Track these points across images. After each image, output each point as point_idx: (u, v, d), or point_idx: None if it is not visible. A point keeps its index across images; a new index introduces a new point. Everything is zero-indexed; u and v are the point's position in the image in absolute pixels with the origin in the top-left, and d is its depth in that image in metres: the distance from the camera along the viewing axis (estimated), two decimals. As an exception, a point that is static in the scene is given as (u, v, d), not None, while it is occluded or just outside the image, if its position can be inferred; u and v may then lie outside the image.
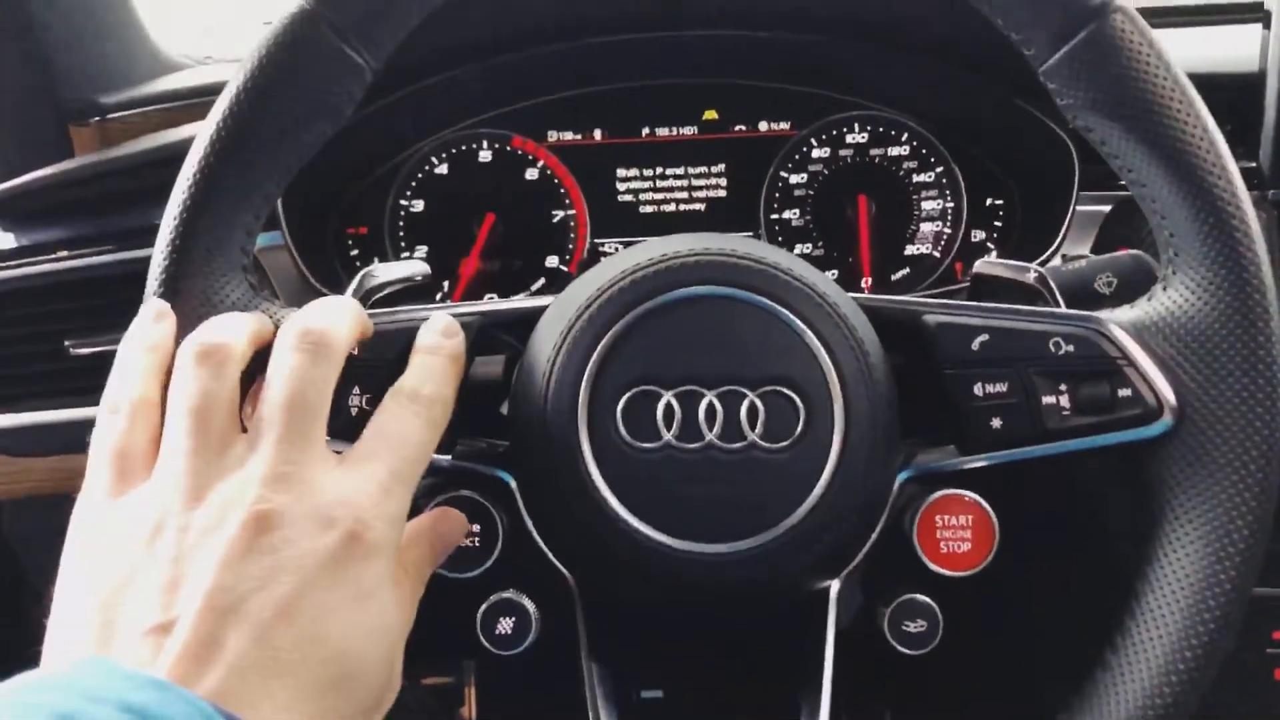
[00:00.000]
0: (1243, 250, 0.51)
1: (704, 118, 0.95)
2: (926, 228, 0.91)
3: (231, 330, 0.47)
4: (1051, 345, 0.54)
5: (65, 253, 0.82)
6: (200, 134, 0.53)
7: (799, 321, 0.53)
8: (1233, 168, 0.52)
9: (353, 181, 0.92)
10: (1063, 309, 0.58)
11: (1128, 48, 0.52)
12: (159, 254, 0.52)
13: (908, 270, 0.91)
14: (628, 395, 0.52)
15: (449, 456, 0.56)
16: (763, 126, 0.94)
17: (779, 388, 0.52)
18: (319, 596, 0.39)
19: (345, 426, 0.52)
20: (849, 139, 0.93)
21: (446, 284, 0.92)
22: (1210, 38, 0.93)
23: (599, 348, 0.53)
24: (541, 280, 0.93)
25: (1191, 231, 0.52)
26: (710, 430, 0.52)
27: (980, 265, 0.64)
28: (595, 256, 0.93)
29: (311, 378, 0.44)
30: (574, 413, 0.52)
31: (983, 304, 0.56)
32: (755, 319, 0.53)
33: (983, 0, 0.54)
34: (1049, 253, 0.82)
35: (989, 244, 0.91)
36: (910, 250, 0.91)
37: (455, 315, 0.56)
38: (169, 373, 0.46)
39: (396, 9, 0.54)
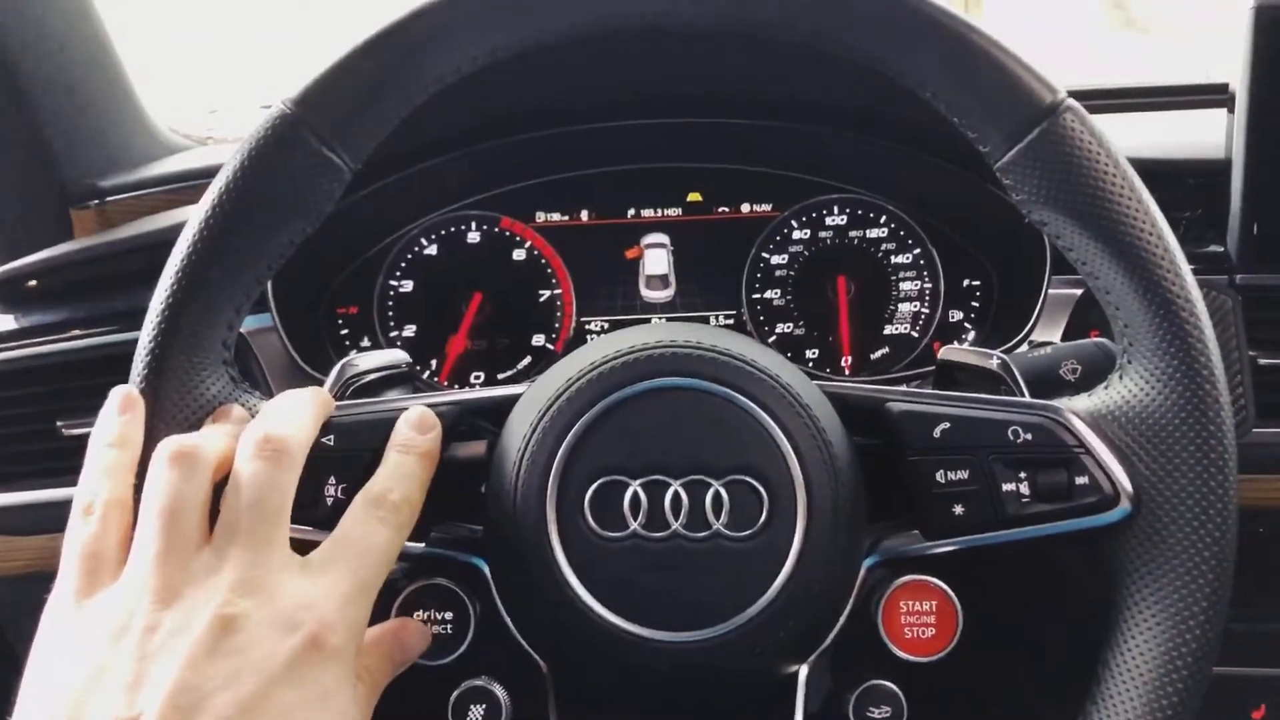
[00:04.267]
0: (1193, 342, 0.53)
1: (688, 199, 0.97)
2: (905, 308, 0.93)
3: (206, 433, 0.48)
4: (1011, 433, 0.55)
5: (63, 334, 0.84)
6: (184, 232, 0.55)
7: (762, 412, 0.54)
8: (1181, 261, 0.54)
9: (343, 263, 0.94)
10: (1022, 398, 0.59)
11: (1078, 145, 0.54)
12: (141, 349, 0.54)
13: (887, 350, 0.93)
14: (596, 485, 0.54)
15: (423, 544, 0.57)
16: (745, 208, 0.97)
17: (743, 477, 0.54)
18: (280, 697, 0.40)
19: (323, 517, 0.53)
20: (829, 220, 0.95)
21: (434, 362, 0.94)
22: (1177, 122, 0.96)
23: (568, 438, 0.54)
24: (528, 359, 0.94)
25: (1144, 323, 0.54)
26: (676, 519, 0.53)
27: (945, 352, 0.66)
28: (581, 335, 0.95)
29: (272, 483, 0.46)
30: (543, 501, 0.54)
31: (944, 392, 0.58)
32: (720, 409, 0.54)
33: (940, 100, 0.56)
34: (1019, 337, 0.83)
35: (966, 324, 0.93)
36: (889, 330, 0.93)
37: (432, 404, 0.58)
38: (141, 466, 0.48)
39: (375, 112, 0.57)
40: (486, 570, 0.58)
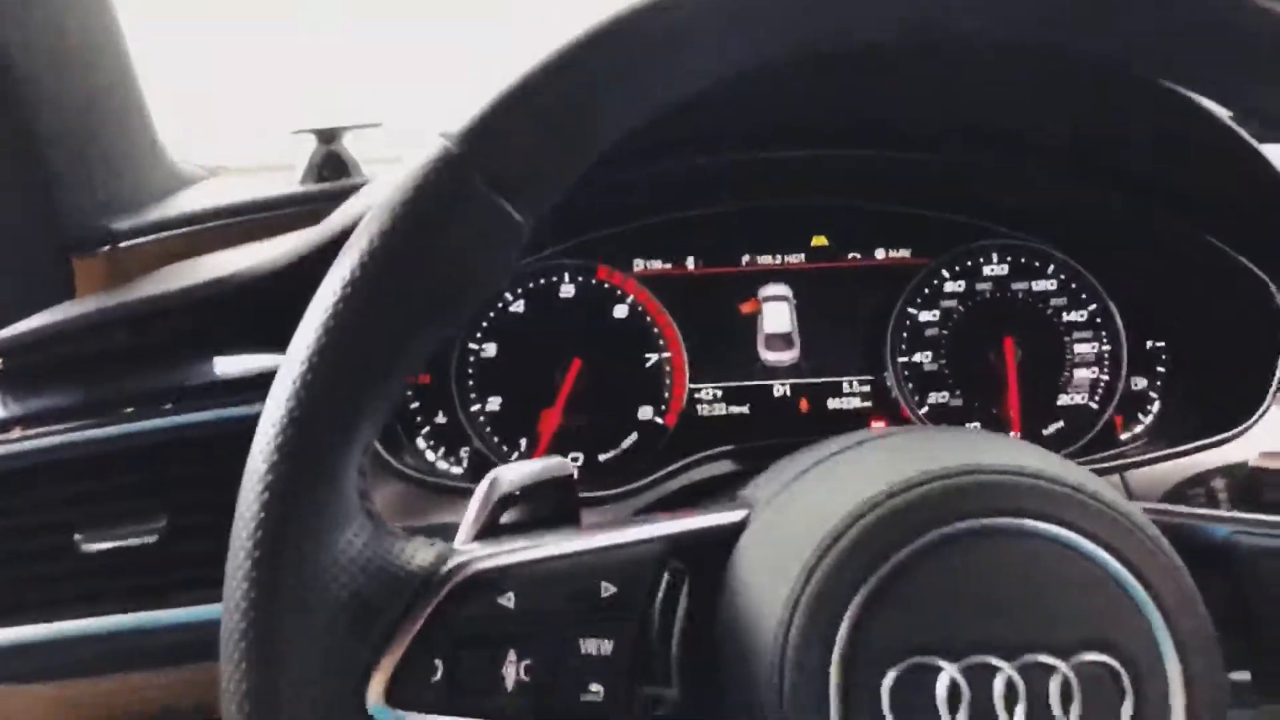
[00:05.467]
0: None
1: (812, 244, 0.83)
2: (1080, 374, 0.79)
3: None
4: None
5: (72, 422, 0.66)
6: (309, 317, 0.40)
7: (1117, 563, 0.39)
8: None
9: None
10: None
11: None
12: (248, 510, 0.38)
13: (1061, 424, 0.79)
14: (896, 671, 0.39)
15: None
16: (880, 254, 0.82)
17: (1099, 655, 0.39)
18: None
19: (499, 708, 0.38)
20: (986, 270, 0.81)
21: (524, 442, 0.78)
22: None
23: (849, 610, 0.39)
24: (634, 435, 0.79)
25: None
26: (1010, 718, 0.38)
27: (1261, 459, 0.51)
28: (694, 407, 0.80)
29: None
30: (824, 699, 0.38)
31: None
32: (1059, 560, 0.40)
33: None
34: (1255, 417, 0.69)
35: (1151, 393, 0.79)
36: (1063, 400, 0.79)
37: (623, 543, 0.43)
38: None
39: (565, 154, 0.42)
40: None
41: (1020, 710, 0.38)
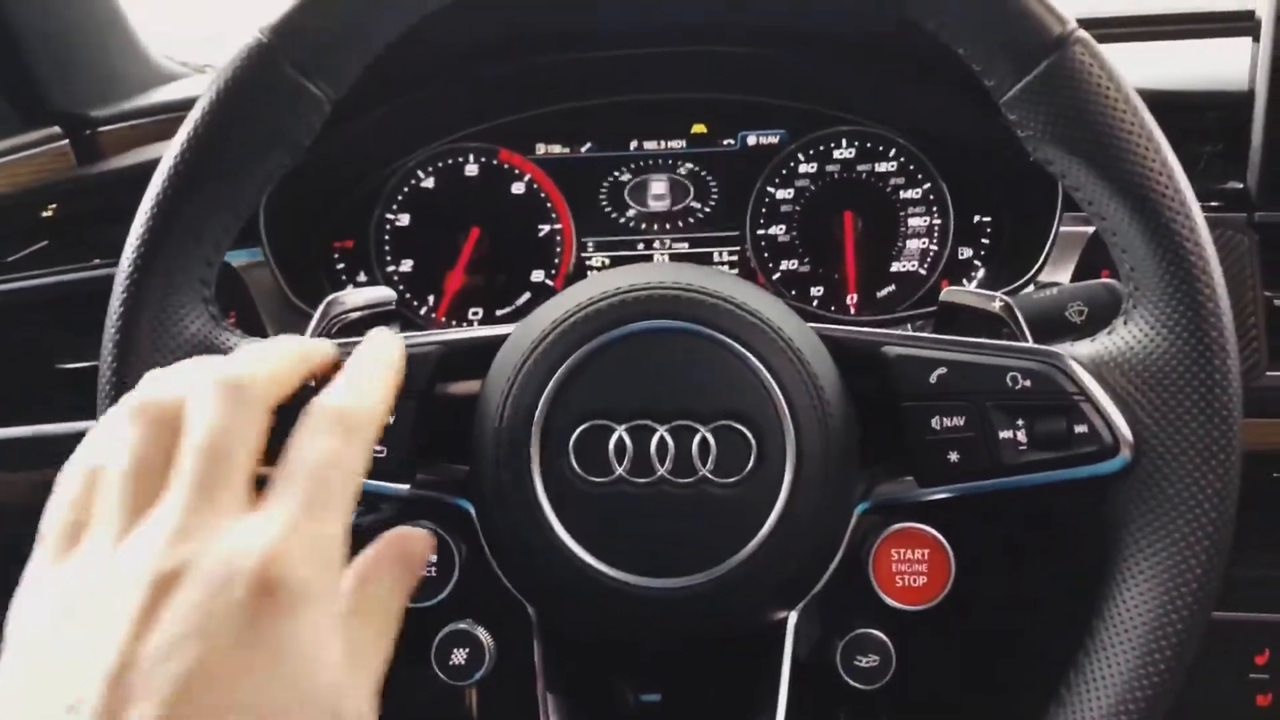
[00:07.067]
0: (1200, 286, 0.51)
1: (692, 131, 0.95)
2: (913, 245, 0.91)
3: (170, 386, 0.43)
4: (1009, 380, 0.54)
5: (58, 267, 0.83)
6: (159, 166, 0.54)
7: (751, 355, 0.53)
8: (1191, 201, 0.51)
9: (339, 196, 0.92)
10: (1021, 343, 0.57)
11: (1086, 79, 0.51)
12: (117, 286, 0.53)
13: (893, 288, 0.90)
14: (580, 429, 0.53)
15: (407, 486, 0.56)
16: (751, 140, 0.94)
17: (731, 422, 0.52)
18: (229, 661, 0.34)
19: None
20: (836, 154, 0.92)
21: (432, 298, 0.92)
22: (1199, 51, 0.92)
23: (552, 381, 0.53)
24: (527, 295, 0.93)
25: (1150, 266, 0.52)
26: (662, 465, 0.52)
27: (947, 294, 0.63)
28: (581, 270, 0.93)
29: (225, 424, 0.40)
30: (527, 445, 0.53)
31: (942, 336, 0.56)
32: (708, 353, 0.53)
33: (945, 32, 0.54)
34: (1027, 277, 0.81)
35: (976, 262, 0.90)
36: (896, 267, 0.91)
37: (417, 344, 0.56)
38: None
39: (356, 40, 0.55)
40: (472, 512, 0.57)
41: (669, 459, 0.52)
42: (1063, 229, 0.81)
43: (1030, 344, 0.57)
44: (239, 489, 0.39)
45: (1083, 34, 0.52)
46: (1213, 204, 0.79)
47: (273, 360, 0.45)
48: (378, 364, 0.47)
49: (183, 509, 0.38)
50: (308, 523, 0.38)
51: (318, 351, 0.48)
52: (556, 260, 0.93)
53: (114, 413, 0.43)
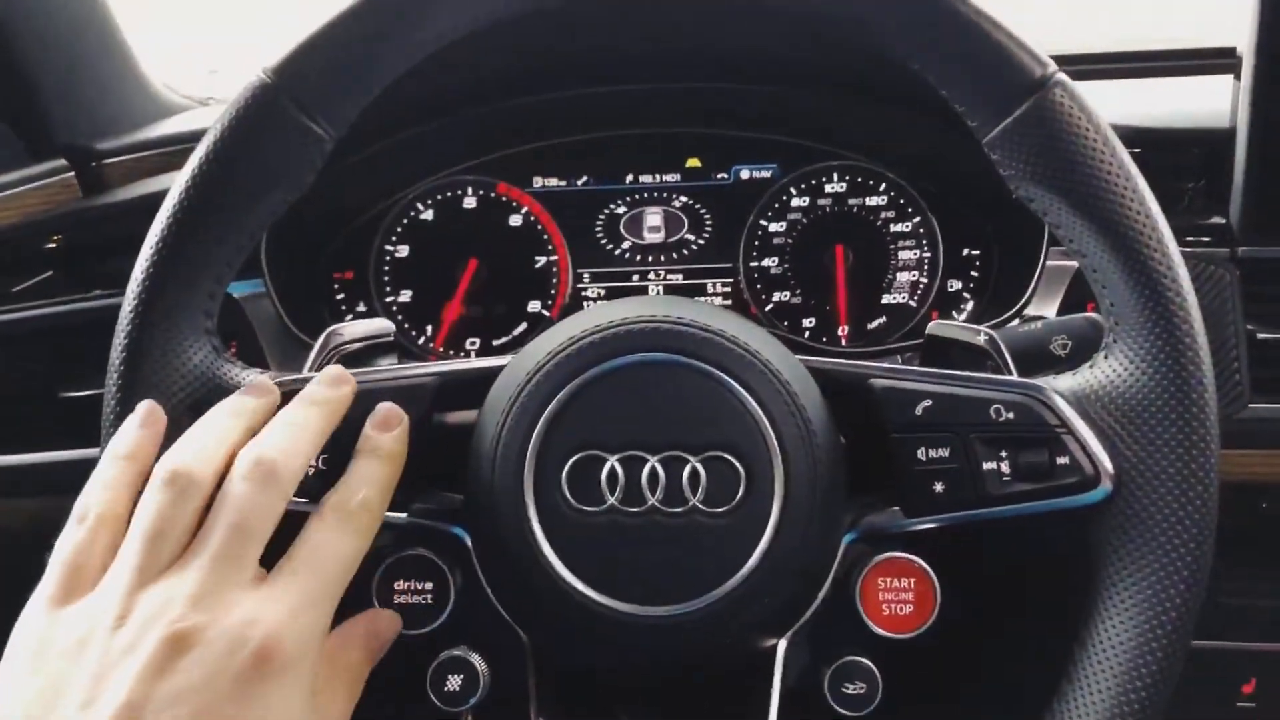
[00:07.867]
0: (1178, 322, 0.52)
1: (686, 165, 0.96)
2: (903, 277, 0.92)
3: (205, 455, 0.48)
4: (992, 412, 0.55)
5: (62, 297, 0.84)
6: (164, 202, 0.55)
7: (740, 388, 0.54)
8: (1169, 241, 0.53)
9: (339, 228, 0.94)
10: (1005, 376, 0.59)
11: (1066, 120, 0.53)
12: (123, 320, 0.55)
13: (884, 319, 0.92)
14: (573, 459, 0.54)
15: (405, 515, 0.57)
16: (745, 174, 0.96)
17: (721, 453, 0.54)
18: (223, 713, 0.41)
19: (305, 488, 0.53)
20: (828, 188, 0.94)
21: (430, 328, 0.94)
22: (1181, 89, 0.94)
23: (546, 412, 0.54)
24: (524, 325, 0.94)
25: (1130, 302, 0.53)
26: (653, 495, 0.53)
27: (933, 327, 0.65)
28: (577, 301, 0.95)
29: (255, 506, 0.46)
30: (520, 475, 0.54)
31: (927, 369, 0.57)
32: (699, 385, 0.54)
33: (928, 72, 0.56)
34: (1014, 310, 0.83)
35: (965, 294, 0.92)
36: (887, 299, 0.92)
37: (413, 375, 0.58)
38: (145, 481, 0.48)
39: (356, 80, 0.56)
40: (468, 540, 0.58)
41: (660, 489, 0.53)
42: (1050, 263, 0.83)
43: (1013, 377, 0.58)
44: (252, 562, 0.46)
45: (1062, 76, 0.53)
46: (1195, 239, 0.81)
47: (306, 444, 0.50)
48: (380, 457, 0.54)
49: (203, 578, 0.44)
50: (307, 608, 0.46)
51: (339, 415, 0.54)
52: (553, 291, 0.95)
53: (123, 464, 0.47)
